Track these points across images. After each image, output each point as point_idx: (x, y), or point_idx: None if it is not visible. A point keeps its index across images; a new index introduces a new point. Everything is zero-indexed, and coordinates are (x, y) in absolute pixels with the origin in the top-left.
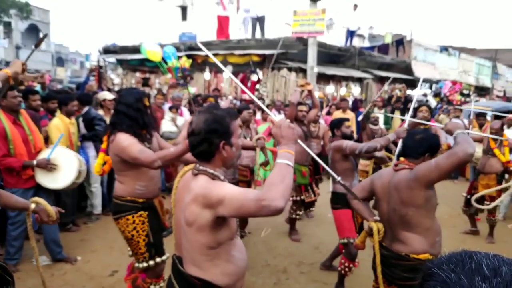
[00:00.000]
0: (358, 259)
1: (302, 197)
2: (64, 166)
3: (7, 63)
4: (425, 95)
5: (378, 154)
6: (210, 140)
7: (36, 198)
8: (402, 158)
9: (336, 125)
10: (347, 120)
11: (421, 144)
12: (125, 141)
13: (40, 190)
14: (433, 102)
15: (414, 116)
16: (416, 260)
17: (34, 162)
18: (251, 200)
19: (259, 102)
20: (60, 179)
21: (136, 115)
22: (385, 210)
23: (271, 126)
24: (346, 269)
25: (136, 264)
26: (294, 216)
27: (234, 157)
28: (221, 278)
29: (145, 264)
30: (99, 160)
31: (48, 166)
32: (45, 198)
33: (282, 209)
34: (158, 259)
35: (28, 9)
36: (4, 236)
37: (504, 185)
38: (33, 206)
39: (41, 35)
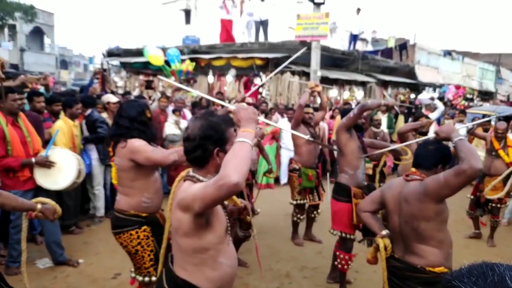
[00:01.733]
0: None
1: (305, 201)
2: (63, 167)
3: (12, 66)
4: (432, 98)
5: (393, 146)
6: (205, 147)
7: (40, 198)
8: (413, 169)
9: (348, 113)
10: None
11: (434, 155)
12: (138, 142)
13: (40, 192)
14: (440, 106)
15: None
16: (432, 273)
17: (33, 160)
18: (211, 185)
19: (215, 99)
20: (60, 179)
21: (142, 128)
22: (396, 222)
23: (233, 115)
24: (343, 262)
25: (140, 278)
26: (296, 219)
27: None
28: (206, 284)
29: (147, 279)
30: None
31: (47, 163)
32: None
33: (238, 184)
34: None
35: (33, 12)
36: (8, 238)
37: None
38: (39, 206)
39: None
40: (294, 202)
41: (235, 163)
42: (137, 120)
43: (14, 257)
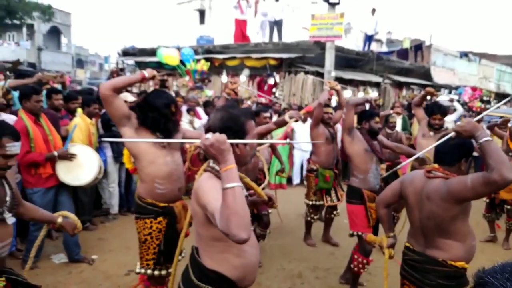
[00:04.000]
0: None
1: (321, 202)
2: (85, 163)
3: (30, 64)
4: (451, 100)
5: (418, 154)
6: None
7: (63, 212)
8: (436, 165)
9: (366, 116)
10: (379, 115)
11: (456, 150)
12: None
13: (61, 189)
14: (459, 108)
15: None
16: (453, 267)
17: (55, 153)
18: (221, 225)
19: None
20: (82, 175)
21: (159, 119)
22: (416, 217)
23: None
24: (360, 266)
25: (137, 270)
26: (309, 219)
27: (248, 155)
28: (232, 271)
29: (143, 271)
30: (126, 151)
31: (68, 156)
32: (66, 197)
33: (248, 239)
34: (160, 272)
35: (51, 12)
36: (25, 232)
37: None
38: (59, 220)
39: (62, 37)
40: (310, 203)
41: (236, 221)
42: (159, 111)
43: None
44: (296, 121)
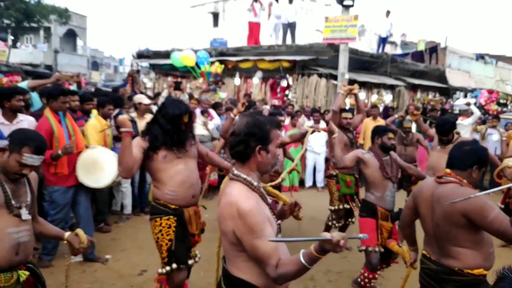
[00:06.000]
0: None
1: (346, 206)
2: (105, 166)
3: (47, 66)
4: (468, 104)
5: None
6: (248, 143)
7: (78, 230)
8: (448, 170)
9: (378, 132)
10: (393, 132)
11: (470, 155)
12: (136, 140)
13: (79, 189)
14: (477, 112)
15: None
16: (471, 275)
17: (60, 152)
18: (268, 264)
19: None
20: (101, 178)
21: (171, 131)
22: (429, 225)
23: None
24: (366, 280)
25: (160, 270)
26: (331, 224)
27: (269, 164)
28: (259, 280)
29: (162, 271)
30: None
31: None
32: (84, 197)
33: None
34: (173, 266)
35: (67, 15)
36: None
37: None
38: (67, 235)
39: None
40: (333, 208)
41: (290, 278)
42: (171, 122)
43: (48, 249)
44: (313, 132)
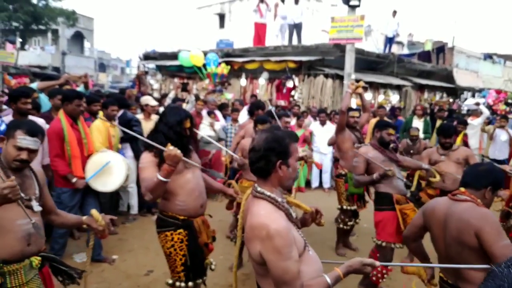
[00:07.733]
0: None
1: (354, 207)
2: (114, 170)
3: (54, 68)
4: (477, 104)
5: (425, 166)
6: (268, 158)
7: (92, 210)
8: (462, 189)
9: (379, 126)
10: (393, 127)
11: (485, 175)
12: (142, 160)
13: (87, 190)
14: (486, 112)
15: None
16: None
17: (74, 179)
18: (294, 286)
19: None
20: (109, 182)
21: (175, 138)
22: (442, 246)
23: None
24: (379, 275)
25: (170, 281)
26: (342, 226)
27: (291, 178)
28: None
29: (178, 284)
30: None
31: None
32: (92, 198)
33: None
34: (189, 284)
35: (74, 17)
36: (49, 231)
37: None
38: (84, 218)
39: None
40: (341, 208)
41: None
42: (173, 129)
43: (55, 250)
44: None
